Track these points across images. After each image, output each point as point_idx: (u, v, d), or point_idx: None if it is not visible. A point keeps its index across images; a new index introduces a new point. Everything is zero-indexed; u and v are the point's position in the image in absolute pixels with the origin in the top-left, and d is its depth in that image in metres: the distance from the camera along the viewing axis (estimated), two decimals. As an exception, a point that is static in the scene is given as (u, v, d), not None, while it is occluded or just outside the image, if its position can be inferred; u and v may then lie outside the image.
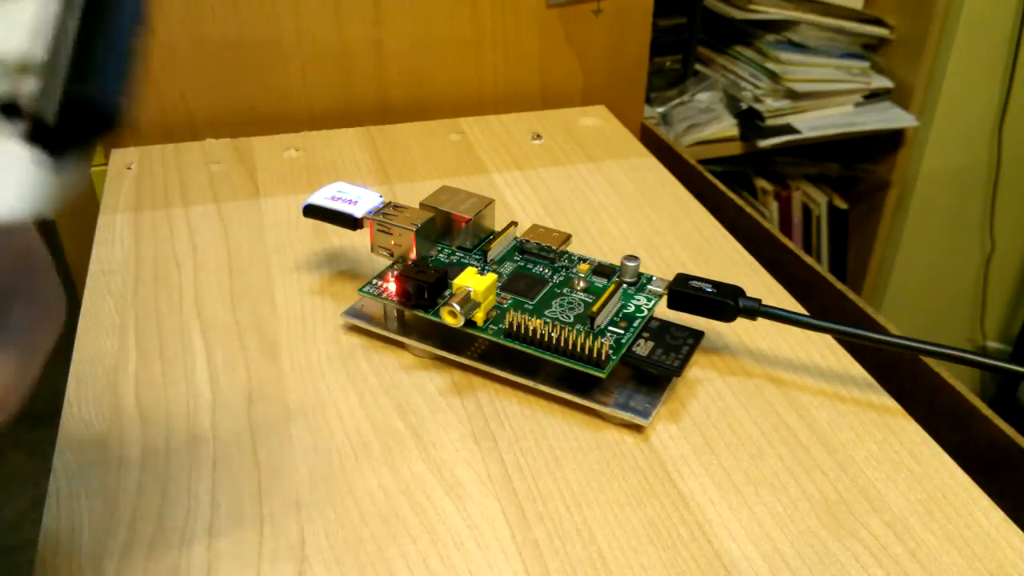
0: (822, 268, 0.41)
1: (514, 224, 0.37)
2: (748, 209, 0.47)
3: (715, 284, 0.32)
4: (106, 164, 0.47)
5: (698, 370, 0.33)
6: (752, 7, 0.96)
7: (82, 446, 0.28)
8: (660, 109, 0.98)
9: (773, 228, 0.45)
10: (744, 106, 0.97)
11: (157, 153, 0.47)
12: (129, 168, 0.46)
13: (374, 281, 0.34)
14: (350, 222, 0.35)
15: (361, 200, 0.36)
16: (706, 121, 0.97)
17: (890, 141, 1.02)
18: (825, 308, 0.39)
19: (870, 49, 1.01)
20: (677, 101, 1.00)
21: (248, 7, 0.49)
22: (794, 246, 0.43)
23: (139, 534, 0.25)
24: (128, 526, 0.26)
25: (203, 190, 0.44)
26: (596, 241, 0.41)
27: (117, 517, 0.26)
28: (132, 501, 0.26)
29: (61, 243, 0.91)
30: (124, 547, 0.25)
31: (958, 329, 1.19)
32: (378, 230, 0.35)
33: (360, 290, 0.34)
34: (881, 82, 0.99)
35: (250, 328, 0.34)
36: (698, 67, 1.03)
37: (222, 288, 0.37)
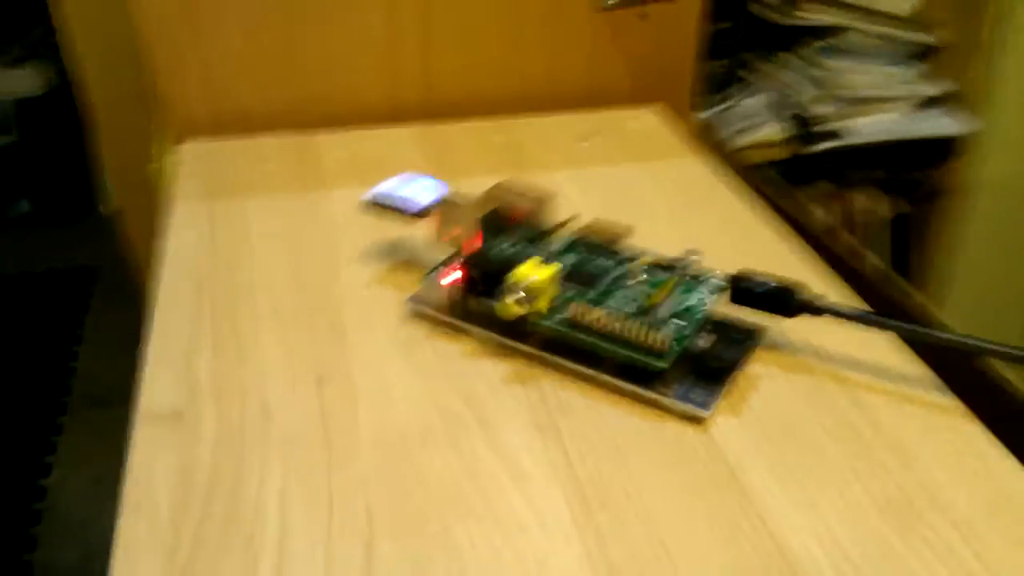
0: (884, 265, 0.41)
1: (575, 217, 0.37)
2: (807, 210, 0.47)
3: (776, 280, 0.32)
4: (168, 159, 0.48)
5: (759, 366, 0.33)
6: (798, 13, 0.96)
7: (159, 421, 0.29)
8: (706, 114, 0.98)
9: (834, 227, 0.45)
10: (791, 111, 0.97)
11: (221, 148, 0.49)
12: (196, 162, 0.47)
13: (438, 269, 0.35)
14: (414, 212, 0.36)
15: (425, 191, 0.37)
16: (753, 126, 0.96)
17: (947, 147, 1.00)
18: (888, 307, 0.39)
19: (920, 55, 1.00)
20: (723, 106, 1.00)
21: (303, 6, 0.50)
22: (856, 243, 0.43)
23: (214, 506, 0.26)
24: (203, 499, 0.27)
25: (267, 182, 0.45)
26: (652, 239, 0.41)
27: (193, 490, 0.27)
28: (207, 475, 0.27)
29: (126, 233, 0.93)
30: (200, 519, 0.26)
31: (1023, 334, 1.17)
32: (442, 220, 0.35)
33: (424, 278, 0.34)
34: (933, 88, 0.98)
35: (318, 312, 0.35)
36: (743, 73, 1.02)
37: (290, 275, 0.38)
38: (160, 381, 0.31)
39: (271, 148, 0.49)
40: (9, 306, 1.39)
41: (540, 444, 0.29)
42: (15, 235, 1.56)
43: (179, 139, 0.51)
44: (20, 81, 1.46)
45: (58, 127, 1.52)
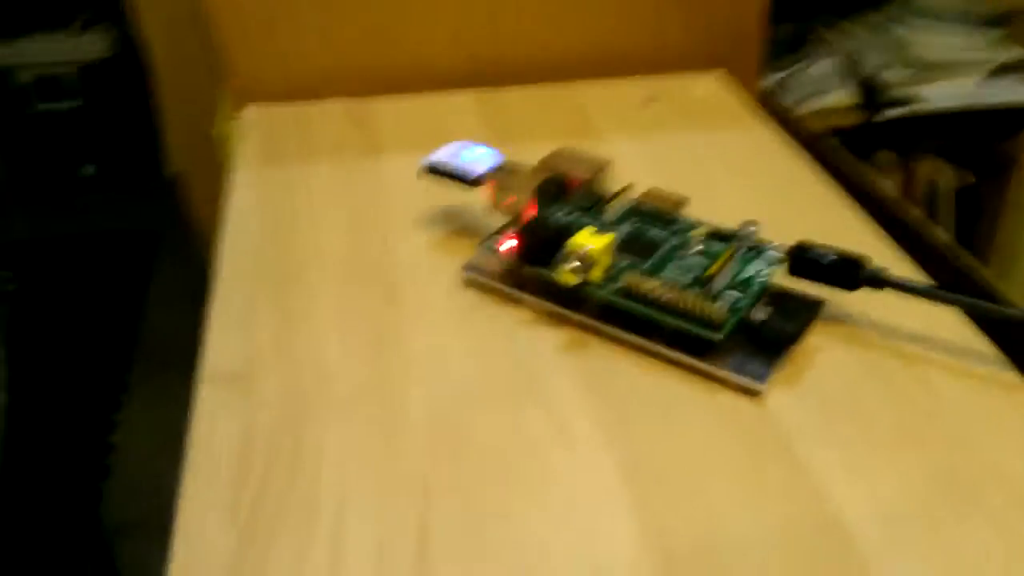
0: (950, 238, 0.40)
1: (631, 186, 0.37)
2: (872, 179, 0.46)
3: (838, 252, 0.32)
4: (232, 124, 0.49)
5: (818, 339, 0.32)
6: (876, -28, 0.93)
7: (221, 383, 0.30)
8: (777, 77, 0.95)
9: (899, 198, 0.44)
10: (864, 75, 0.94)
11: (282, 113, 0.49)
12: (257, 126, 0.48)
13: (493, 237, 0.35)
14: (470, 180, 0.36)
15: (481, 159, 0.37)
16: (824, 90, 0.94)
17: (1018, 117, 0.97)
18: (953, 281, 0.38)
19: (995, 21, 0.96)
20: (790, 71, 0.97)
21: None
22: (921, 215, 0.41)
23: (274, 469, 0.27)
24: (264, 461, 0.27)
25: (325, 148, 0.46)
26: (712, 209, 0.40)
27: (254, 452, 0.28)
28: (267, 437, 0.28)
29: (190, 195, 0.96)
30: (261, 480, 0.27)
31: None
32: (498, 188, 0.35)
33: (479, 245, 0.35)
34: (1007, 55, 0.94)
35: (373, 278, 0.36)
36: (812, 37, 0.99)
37: (345, 241, 0.38)
38: (222, 344, 0.32)
39: (332, 113, 0.49)
40: (75, 267, 1.43)
41: (594, 413, 0.29)
42: (81, 198, 1.60)
43: (241, 103, 0.51)
44: (85, 46, 1.49)
45: (122, 91, 1.55)
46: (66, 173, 1.62)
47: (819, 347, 0.32)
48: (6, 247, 1.44)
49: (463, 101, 0.51)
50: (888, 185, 0.99)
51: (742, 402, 0.30)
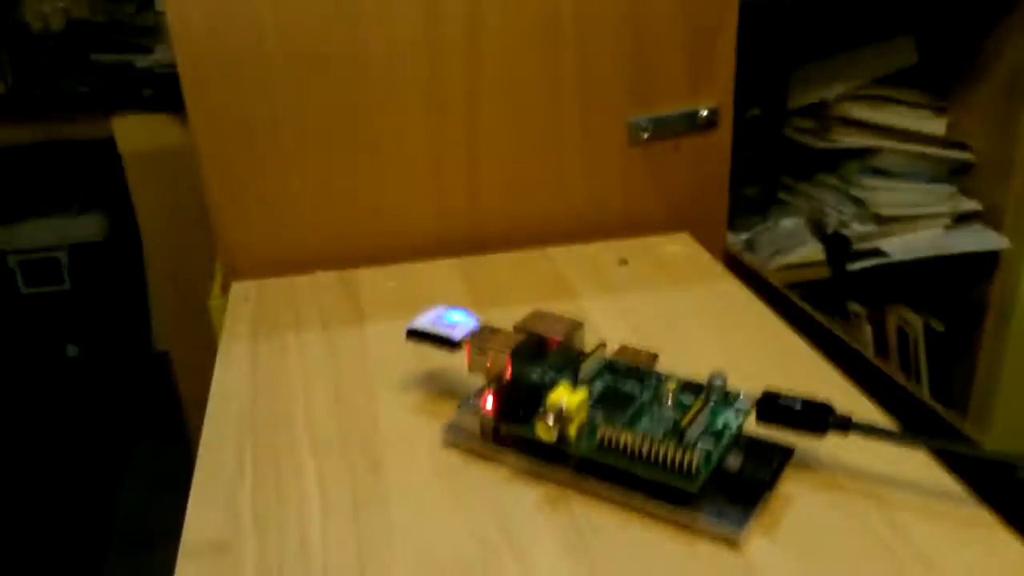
0: (915, 386, 0.41)
1: (603, 344, 0.38)
2: (837, 331, 0.48)
3: (804, 400, 0.33)
4: (225, 297, 0.51)
5: (791, 485, 0.33)
6: (832, 137, 0.99)
7: (202, 555, 0.30)
8: (744, 236, 1.00)
9: (865, 349, 0.45)
10: (830, 231, 0.98)
11: (272, 286, 0.51)
12: (247, 300, 0.50)
13: (471, 399, 0.36)
14: (449, 344, 0.38)
15: (459, 324, 0.38)
16: (791, 246, 0.98)
17: (984, 263, 1.01)
18: (924, 427, 0.39)
19: (956, 173, 1.01)
20: (761, 228, 1.01)
21: (355, 149, 0.54)
22: (887, 366, 0.43)
23: (254, 637, 0.27)
24: (244, 630, 0.27)
25: (313, 318, 0.47)
26: (683, 362, 0.41)
27: (234, 621, 0.28)
28: (248, 606, 0.28)
29: (175, 373, 0.97)
30: (240, 650, 0.26)
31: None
32: (475, 351, 0.37)
33: (459, 407, 0.36)
34: (969, 205, 0.99)
35: (356, 445, 0.36)
36: (781, 195, 1.05)
37: (330, 409, 0.39)
38: (203, 517, 0.32)
39: (317, 285, 0.51)
40: (54, 449, 1.41)
41: (573, 570, 0.29)
42: (67, 377, 1.60)
43: (233, 277, 0.53)
44: (78, 229, 1.54)
45: (111, 273, 1.59)
46: (51, 354, 1.63)
47: (792, 493, 0.32)
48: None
49: (444, 268, 0.53)
50: (857, 335, 1.01)
51: (722, 552, 0.30)
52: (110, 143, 0.95)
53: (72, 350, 1.63)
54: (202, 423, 0.39)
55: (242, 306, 0.49)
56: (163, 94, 0.96)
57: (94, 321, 1.62)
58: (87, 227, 1.55)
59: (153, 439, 1.42)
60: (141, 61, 1.09)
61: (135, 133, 0.95)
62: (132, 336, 1.65)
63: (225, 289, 0.54)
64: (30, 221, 1.53)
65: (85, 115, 1.35)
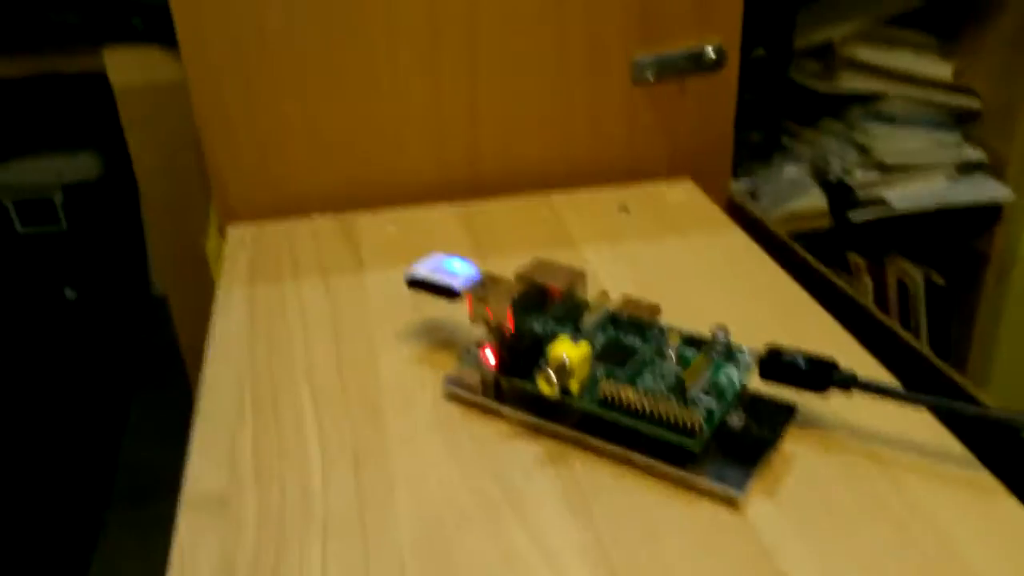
0: (918, 342, 0.41)
1: (605, 294, 0.38)
2: (841, 284, 0.47)
3: (808, 356, 0.33)
4: (221, 240, 0.50)
5: (792, 444, 0.33)
6: (838, 80, 0.97)
7: (204, 506, 0.30)
8: (746, 182, 0.99)
9: (867, 302, 0.45)
10: (833, 179, 0.97)
11: (270, 229, 0.51)
12: (244, 244, 0.49)
13: (472, 350, 0.36)
14: (449, 293, 0.37)
15: (459, 272, 0.38)
16: (794, 194, 0.97)
17: (987, 215, 1.00)
18: (924, 384, 0.39)
19: (962, 120, 1.00)
20: (764, 174, 1.00)
21: (353, 90, 0.53)
22: (889, 320, 0.43)
23: (254, 590, 0.27)
24: (244, 582, 0.27)
25: (311, 263, 0.47)
26: (686, 314, 0.41)
27: (236, 572, 0.27)
28: (249, 558, 0.28)
29: (173, 317, 0.96)
30: (240, 602, 0.26)
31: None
32: (476, 301, 0.36)
33: (458, 359, 0.35)
34: (974, 154, 0.98)
35: (356, 395, 0.36)
36: (784, 140, 1.03)
37: (329, 356, 0.39)
38: (204, 468, 0.32)
39: (318, 229, 0.51)
40: (54, 394, 1.42)
41: (573, 526, 0.29)
42: (65, 320, 1.60)
43: (230, 221, 0.53)
44: (72, 169, 1.52)
45: (107, 214, 1.57)
46: (49, 296, 1.62)
47: (795, 452, 0.32)
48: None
49: (444, 214, 0.53)
50: (859, 287, 1.01)
51: (722, 512, 0.30)
52: (102, 77, 0.93)
53: (70, 293, 1.63)
54: (200, 369, 0.38)
55: (239, 250, 0.49)
56: (154, 24, 0.94)
57: (92, 263, 1.61)
58: (81, 166, 1.52)
59: (153, 384, 1.42)
60: (129, -9, 1.06)
61: (127, 66, 0.93)
62: (131, 279, 1.64)
63: (221, 231, 0.53)
64: (23, 159, 1.51)
65: (75, 47, 1.32)
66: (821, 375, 0.32)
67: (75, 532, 1.13)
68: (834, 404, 0.34)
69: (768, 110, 1.02)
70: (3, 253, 1.57)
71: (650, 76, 0.56)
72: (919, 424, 0.34)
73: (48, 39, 1.37)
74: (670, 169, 0.60)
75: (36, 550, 1.10)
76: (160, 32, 0.91)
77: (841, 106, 1.00)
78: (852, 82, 0.97)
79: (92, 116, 1.54)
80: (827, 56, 0.98)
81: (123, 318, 1.60)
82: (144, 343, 1.52)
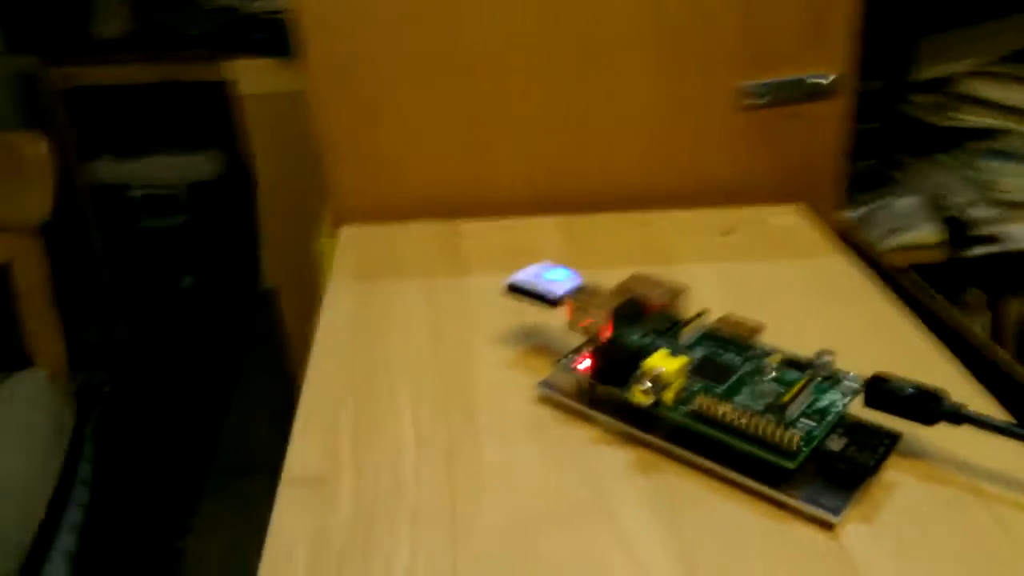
0: (1034, 381, 0.39)
1: (706, 311, 0.37)
2: (955, 315, 0.45)
3: (916, 385, 0.32)
4: (333, 240, 0.52)
5: (894, 473, 0.32)
6: (955, 115, 0.94)
7: (301, 484, 0.32)
8: (857, 212, 0.96)
9: (980, 334, 0.43)
10: (949, 213, 0.93)
11: (378, 231, 0.52)
12: (354, 244, 0.51)
13: (569, 356, 0.36)
14: (550, 301, 0.38)
15: (561, 280, 0.38)
16: (907, 226, 0.94)
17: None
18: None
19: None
20: (876, 205, 0.97)
21: (466, 102, 0.54)
22: (1004, 353, 0.41)
23: (346, 569, 0.28)
24: (338, 560, 0.28)
25: (415, 266, 0.48)
26: (787, 337, 0.40)
27: (328, 550, 0.29)
28: (342, 537, 0.29)
29: (281, 308, 1.00)
30: (332, 579, 0.27)
31: None
32: (576, 309, 0.37)
33: (556, 364, 0.36)
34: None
35: (452, 392, 0.37)
36: (895, 173, 1.00)
37: (428, 354, 0.40)
38: (305, 449, 0.34)
39: (422, 234, 0.52)
40: (166, 373, 1.49)
41: (661, 536, 0.29)
42: (181, 307, 1.68)
43: (341, 222, 0.55)
44: (196, 166, 1.60)
45: (226, 210, 1.65)
46: (167, 284, 1.71)
47: (895, 482, 0.31)
48: (105, 351, 1.51)
49: (546, 225, 0.53)
50: (975, 323, 0.97)
51: (815, 535, 0.29)
52: (221, 85, 0.98)
53: (187, 281, 1.71)
54: (304, 358, 0.40)
55: (348, 250, 0.50)
56: (274, 39, 0.98)
57: (208, 255, 1.69)
58: (203, 165, 1.61)
59: (257, 370, 1.48)
60: (245, 7, 1.11)
61: (252, 76, 0.98)
62: (243, 271, 1.71)
63: (333, 232, 0.55)
64: (152, 157, 1.60)
65: (201, 58, 1.40)
66: (929, 406, 0.31)
67: (176, 500, 1.19)
68: (941, 436, 0.33)
69: (880, 141, 0.99)
70: (128, 242, 1.66)
71: (761, 101, 0.56)
72: (1031, 463, 0.32)
73: (174, 49, 1.45)
74: (778, 194, 0.59)
75: (139, 516, 1.16)
76: (280, 46, 0.96)
77: (956, 140, 0.96)
78: (971, 117, 0.93)
79: (215, 120, 1.62)
80: (944, 90, 0.95)
81: (233, 307, 1.67)
82: (251, 331, 1.58)
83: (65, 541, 0.87)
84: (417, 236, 0.52)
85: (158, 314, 1.66)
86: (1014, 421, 0.32)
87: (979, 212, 0.92)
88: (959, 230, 0.92)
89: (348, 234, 0.53)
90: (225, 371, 1.48)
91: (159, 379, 1.47)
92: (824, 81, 0.56)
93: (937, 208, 0.95)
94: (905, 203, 0.97)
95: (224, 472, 1.23)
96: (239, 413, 1.37)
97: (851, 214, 0.95)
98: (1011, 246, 0.89)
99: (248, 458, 1.23)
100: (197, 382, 1.47)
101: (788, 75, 0.56)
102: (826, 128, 0.58)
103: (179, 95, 1.62)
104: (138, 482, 1.22)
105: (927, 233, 0.94)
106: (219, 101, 1.29)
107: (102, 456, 1.09)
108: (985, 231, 0.91)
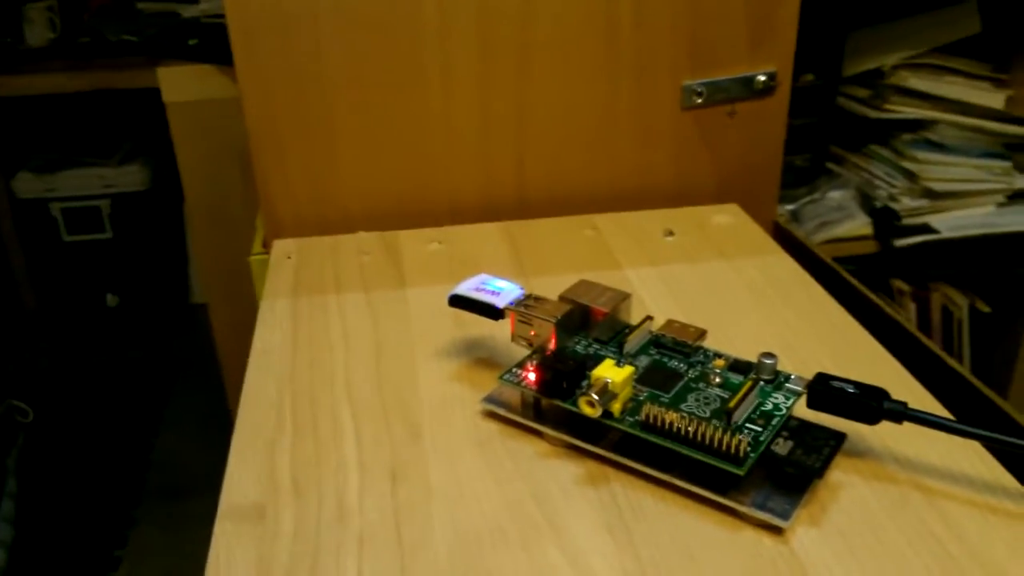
0: (965, 371, 0.40)
1: (650, 318, 0.37)
2: (888, 309, 0.46)
3: (857, 385, 0.32)
4: (267, 254, 0.51)
5: (840, 473, 0.32)
6: (887, 107, 0.96)
7: (240, 514, 0.30)
8: (790, 207, 0.98)
9: (913, 328, 0.44)
10: (879, 204, 0.96)
11: (314, 244, 0.51)
12: (289, 258, 0.50)
13: (514, 370, 0.35)
14: (492, 312, 0.37)
15: (503, 292, 0.37)
16: (838, 219, 0.96)
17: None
18: (968, 411, 0.38)
19: (1013, 148, 0.98)
20: (808, 199, 0.99)
21: (404, 110, 0.53)
22: (935, 346, 0.42)
23: (290, 603, 0.27)
24: (280, 594, 0.27)
25: (354, 279, 0.47)
26: (730, 338, 0.41)
27: (271, 585, 0.27)
28: (284, 569, 0.28)
29: (212, 325, 0.97)
30: (276, 614, 0.26)
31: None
32: (519, 321, 0.36)
33: (500, 378, 0.35)
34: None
35: (395, 410, 0.36)
36: (830, 165, 1.02)
37: (370, 371, 0.39)
38: (242, 476, 0.32)
39: (360, 245, 0.51)
40: (91, 397, 1.44)
41: (612, 548, 0.29)
42: (106, 327, 1.63)
43: (274, 235, 0.53)
44: (121, 178, 1.55)
45: (152, 224, 1.60)
46: (91, 302, 1.66)
47: (842, 482, 0.32)
48: (27, 378, 1.46)
49: (489, 232, 0.53)
50: (903, 313, 0.99)
51: (765, 539, 0.29)
52: (155, 93, 0.95)
53: (112, 299, 1.65)
54: (237, 376, 0.39)
55: (284, 263, 0.49)
56: (209, 44, 0.96)
57: (134, 271, 1.64)
58: (130, 177, 1.56)
59: (188, 390, 1.44)
60: (187, 11, 1.08)
61: (180, 83, 0.95)
62: (170, 287, 1.67)
63: (266, 245, 0.54)
64: (73, 169, 1.55)
65: (130, 64, 1.36)
66: (871, 405, 0.32)
67: (105, 528, 1.14)
68: (883, 433, 0.33)
69: (815, 135, 1.01)
70: (49, 259, 1.60)
71: (699, 101, 0.56)
72: (971, 456, 0.33)
73: (105, 55, 1.40)
74: (716, 194, 0.59)
75: (67, 551, 1.12)
76: (215, 52, 0.93)
77: (889, 132, 0.98)
78: (901, 108, 0.96)
79: (143, 130, 1.58)
80: (876, 82, 0.97)
81: (161, 325, 1.62)
82: (180, 349, 1.54)
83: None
84: (354, 248, 0.51)
85: (82, 334, 1.61)
86: (953, 417, 0.32)
87: (907, 202, 0.94)
88: (887, 221, 0.94)
89: (283, 247, 0.51)
90: (154, 392, 1.44)
91: (84, 403, 1.42)
92: (762, 78, 0.56)
93: (866, 200, 0.97)
94: (836, 196, 0.99)
95: (156, 496, 1.19)
96: (169, 435, 1.33)
97: (783, 208, 0.97)
98: (936, 235, 0.92)
99: (181, 481, 1.19)
100: (124, 404, 1.42)
101: (730, 74, 0.56)
102: (764, 126, 0.59)
103: (107, 104, 1.57)
104: (65, 515, 1.18)
105: (857, 225, 0.96)
106: (147, 110, 1.25)
107: (25, 490, 1.04)
108: (911, 222, 0.94)
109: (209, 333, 0.96)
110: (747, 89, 0.56)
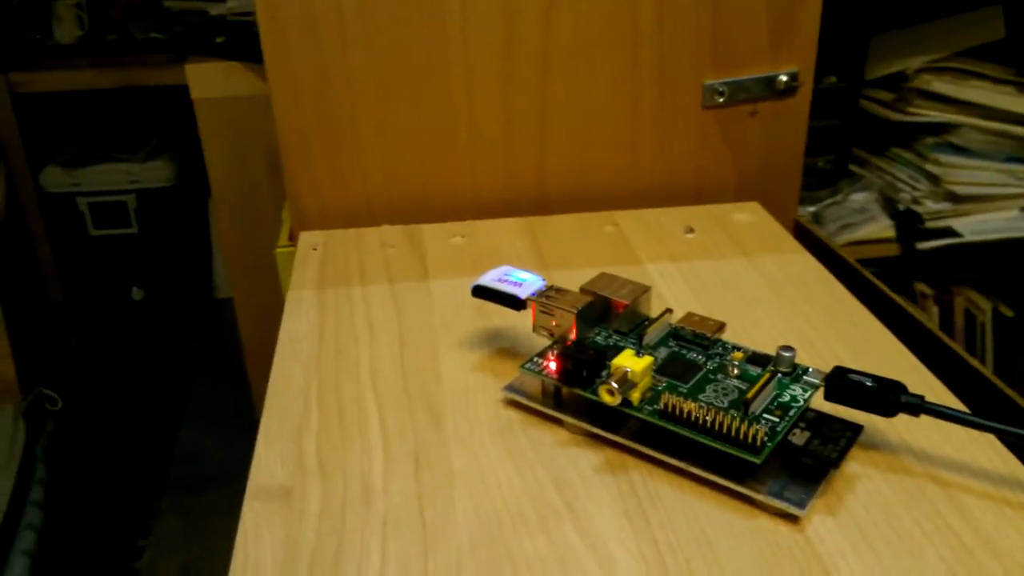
0: (987, 370, 0.40)
1: (669, 311, 0.38)
2: (909, 309, 0.46)
3: (875, 378, 0.32)
4: (294, 246, 0.52)
5: (856, 465, 0.32)
6: (910, 110, 0.96)
7: (268, 494, 0.31)
8: (812, 208, 0.98)
9: (935, 328, 0.44)
10: (901, 207, 0.95)
11: (340, 237, 0.52)
12: (315, 249, 0.51)
13: (535, 359, 0.36)
14: (514, 303, 0.38)
15: (525, 283, 0.38)
16: (860, 221, 0.95)
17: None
18: (989, 412, 0.38)
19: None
20: (830, 201, 0.99)
21: (428, 106, 0.54)
22: (958, 347, 0.42)
23: (316, 579, 0.28)
24: (308, 571, 0.28)
25: (379, 271, 0.48)
26: (749, 333, 0.41)
27: (298, 561, 0.28)
28: (311, 548, 0.29)
29: (237, 318, 0.99)
30: (302, 590, 0.27)
31: None
32: (540, 311, 0.37)
33: (521, 367, 0.36)
34: (1050, 186, 0.95)
35: (418, 398, 0.37)
36: (853, 168, 1.02)
37: (394, 360, 0.39)
38: (270, 459, 0.33)
39: (385, 238, 0.52)
40: (118, 388, 1.46)
41: (630, 534, 0.29)
42: (132, 320, 1.65)
43: (301, 228, 0.54)
44: (147, 174, 1.57)
45: (178, 218, 1.62)
46: (116, 296, 1.68)
47: (858, 473, 0.32)
48: (55, 367, 1.48)
49: (510, 227, 0.53)
50: (926, 315, 0.99)
51: (781, 527, 0.30)
52: (183, 90, 0.96)
53: (137, 293, 1.68)
54: (261, 368, 0.39)
55: (310, 255, 0.50)
56: (236, 42, 0.97)
57: (159, 265, 1.66)
58: (155, 173, 1.58)
59: (211, 385, 1.45)
60: (215, 8, 1.10)
61: (207, 80, 0.96)
62: (195, 283, 1.69)
63: (293, 237, 0.55)
64: (100, 164, 1.57)
65: (158, 61, 1.38)
66: (888, 398, 0.32)
67: (131, 519, 1.16)
68: (900, 427, 0.34)
69: (837, 137, 1.01)
70: (76, 253, 1.63)
71: (721, 100, 0.56)
72: (986, 450, 0.33)
73: (133, 52, 1.42)
74: (737, 193, 0.60)
75: (94, 537, 1.13)
76: (242, 50, 0.95)
77: (912, 135, 0.98)
78: (925, 112, 0.95)
79: (171, 126, 1.60)
80: (899, 85, 0.97)
81: (185, 319, 1.64)
82: (204, 343, 1.56)
83: (18, 565, 0.85)
84: (379, 241, 0.52)
85: (108, 327, 1.63)
86: (969, 411, 0.32)
87: (930, 206, 0.94)
88: (910, 224, 0.94)
89: (309, 239, 0.52)
90: (177, 386, 1.46)
91: (110, 395, 1.44)
92: (784, 78, 0.57)
93: (889, 202, 0.97)
94: (858, 198, 0.99)
95: (179, 488, 1.21)
96: (193, 428, 1.35)
97: (805, 210, 0.97)
98: (960, 239, 0.91)
99: (203, 473, 1.21)
100: (149, 397, 1.44)
101: (752, 74, 0.56)
102: (785, 126, 0.59)
103: (134, 100, 1.59)
104: (91, 503, 1.19)
105: (879, 227, 0.96)
106: (175, 106, 1.27)
107: (54, 477, 1.06)
108: (935, 225, 0.93)
109: (232, 328, 0.98)
110: (769, 89, 0.57)
